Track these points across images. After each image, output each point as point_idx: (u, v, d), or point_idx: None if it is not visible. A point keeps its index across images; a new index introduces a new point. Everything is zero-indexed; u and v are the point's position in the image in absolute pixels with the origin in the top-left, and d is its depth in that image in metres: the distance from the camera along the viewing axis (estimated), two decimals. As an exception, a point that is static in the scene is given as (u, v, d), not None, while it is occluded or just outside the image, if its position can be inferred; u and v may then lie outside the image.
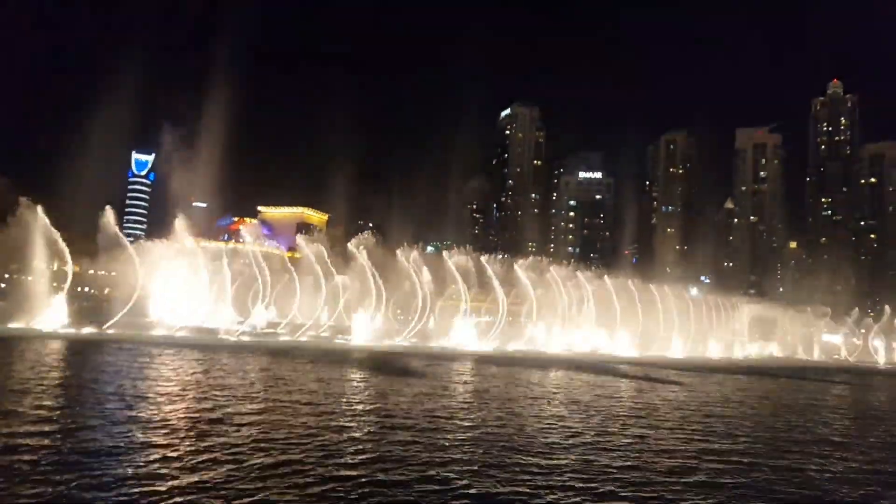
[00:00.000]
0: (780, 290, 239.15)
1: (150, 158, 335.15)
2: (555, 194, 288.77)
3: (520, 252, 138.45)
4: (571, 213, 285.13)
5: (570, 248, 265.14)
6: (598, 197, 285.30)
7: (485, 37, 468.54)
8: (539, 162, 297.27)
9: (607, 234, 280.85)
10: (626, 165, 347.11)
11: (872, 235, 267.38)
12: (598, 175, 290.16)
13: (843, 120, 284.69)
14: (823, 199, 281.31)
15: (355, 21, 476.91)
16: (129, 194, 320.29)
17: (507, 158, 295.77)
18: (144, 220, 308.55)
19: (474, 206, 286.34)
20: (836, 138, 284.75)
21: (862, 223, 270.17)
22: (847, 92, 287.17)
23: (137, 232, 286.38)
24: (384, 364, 51.80)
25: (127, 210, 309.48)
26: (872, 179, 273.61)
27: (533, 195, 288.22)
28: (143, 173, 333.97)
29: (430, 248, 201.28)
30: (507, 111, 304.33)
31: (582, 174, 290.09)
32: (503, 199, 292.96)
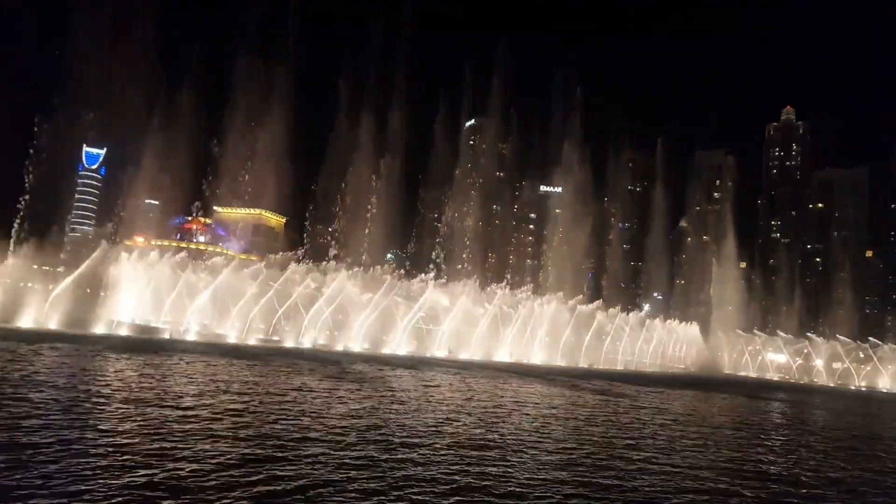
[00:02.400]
0: (730, 308, 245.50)
1: (102, 152, 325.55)
2: (515, 207, 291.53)
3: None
4: (531, 226, 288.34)
5: (528, 261, 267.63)
6: (557, 211, 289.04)
7: (453, 49, 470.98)
8: (501, 174, 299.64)
9: (565, 248, 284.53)
10: (585, 181, 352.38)
11: (818, 259, 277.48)
12: (559, 189, 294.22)
13: (794, 146, 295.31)
14: (773, 222, 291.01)
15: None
16: (79, 188, 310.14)
17: (471, 169, 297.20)
18: (94, 214, 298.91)
19: (435, 216, 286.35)
20: (788, 163, 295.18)
21: (809, 247, 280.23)
22: (799, 119, 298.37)
23: (86, 227, 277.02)
24: (332, 367, 50.59)
25: (76, 204, 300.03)
26: (821, 205, 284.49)
27: (494, 207, 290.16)
28: (95, 167, 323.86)
29: (389, 257, 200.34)
30: (472, 122, 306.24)
31: (543, 188, 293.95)
32: (465, 209, 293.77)
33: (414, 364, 65.09)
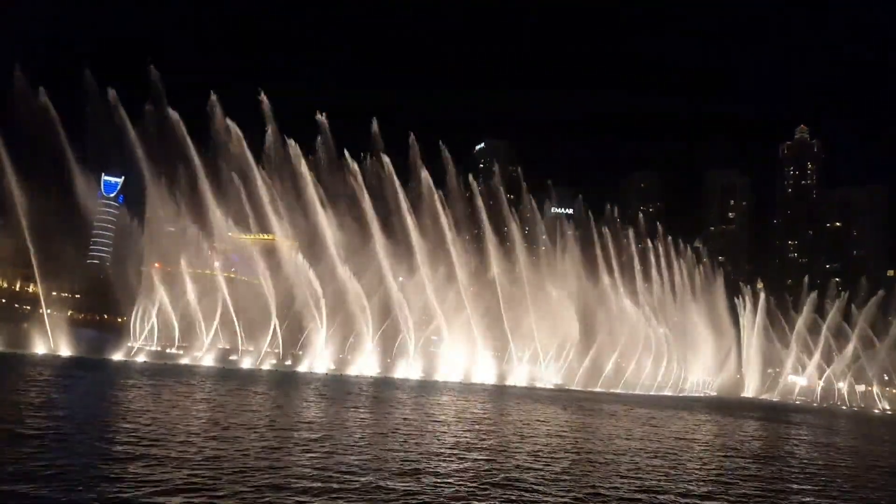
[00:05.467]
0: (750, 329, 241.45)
1: (120, 181, 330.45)
2: (527, 229, 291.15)
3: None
4: (542, 248, 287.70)
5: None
6: (569, 232, 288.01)
7: (462, 71, 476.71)
8: (512, 196, 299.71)
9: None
10: (597, 202, 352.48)
11: (837, 279, 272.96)
12: (570, 211, 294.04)
13: (809, 164, 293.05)
14: (790, 242, 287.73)
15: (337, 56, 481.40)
16: (97, 216, 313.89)
17: (481, 192, 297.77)
18: (110, 241, 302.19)
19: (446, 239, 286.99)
20: (803, 182, 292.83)
21: (827, 266, 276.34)
22: (813, 137, 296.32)
23: (103, 254, 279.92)
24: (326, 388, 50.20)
25: (94, 232, 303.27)
26: (837, 224, 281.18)
27: (505, 229, 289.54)
28: (113, 195, 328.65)
29: (399, 279, 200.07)
30: (482, 145, 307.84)
31: (554, 209, 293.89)
32: (475, 231, 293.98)
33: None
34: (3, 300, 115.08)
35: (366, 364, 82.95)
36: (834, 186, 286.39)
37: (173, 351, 75.05)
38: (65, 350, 66.46)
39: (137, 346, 74.82)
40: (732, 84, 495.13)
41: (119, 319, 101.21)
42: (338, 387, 57.04)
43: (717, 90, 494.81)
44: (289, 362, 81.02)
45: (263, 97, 78.27)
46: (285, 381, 57.81)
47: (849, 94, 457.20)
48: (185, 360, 69.57)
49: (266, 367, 75.65)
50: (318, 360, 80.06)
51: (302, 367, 78.11)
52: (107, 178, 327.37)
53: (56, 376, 44.21)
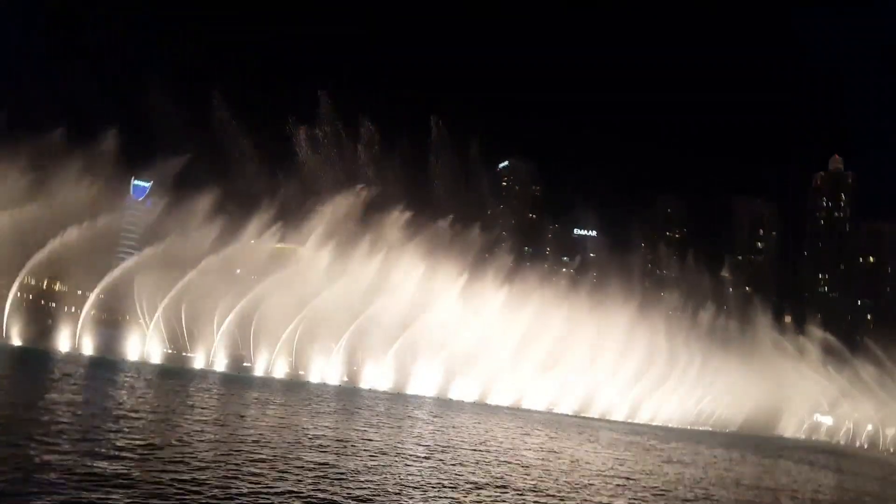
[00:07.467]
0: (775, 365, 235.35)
1: (149, 185, 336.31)
2: (549, 249, 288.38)
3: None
4: (564, 270, 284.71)
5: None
6: (591, 255, 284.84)
7: (486, 90, 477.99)
8: (534, 216, 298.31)
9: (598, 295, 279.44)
10: (621, 225, 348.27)
11: (868, 315, 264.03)
12: (593, 233, 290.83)
13: (842, 196, 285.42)
14: (820, 275, 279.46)
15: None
16: (125, 218, 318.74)
17: (503, 210, 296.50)
18: (137, 244, 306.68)
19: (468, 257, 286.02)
20: (835, 214, 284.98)
21: (858, 302, 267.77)
22: (847, 168, 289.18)
23: (129, 256, 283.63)
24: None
25: (122, 234, 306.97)
26: (871, 258, 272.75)
27: (526, 248, 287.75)
28: (141, 199, 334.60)
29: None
30: (505, 163, 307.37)
31: (577, 231, 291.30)
32: (497, 250, 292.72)
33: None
34: (30, 296, 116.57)
35: (379, 378, 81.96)
36: (868, 220, 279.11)
37: (188, 354, 74.94)
38: (87, 349, 66.78)
39: (153, 347, 74.68)
40: (763, 106, 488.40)
41: (140, 321, 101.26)
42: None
43: (746, 112, 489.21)
44: (302, 372, 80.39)
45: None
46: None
47: (883, 122, 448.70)
48: (198, 364, 69.30)
49: (278, 375, 75.01)
50: (330, 371, 79.24)
51: (314, 378, 77.33)
52: (136, 182, 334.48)
53: (79, 376, 43.91)
